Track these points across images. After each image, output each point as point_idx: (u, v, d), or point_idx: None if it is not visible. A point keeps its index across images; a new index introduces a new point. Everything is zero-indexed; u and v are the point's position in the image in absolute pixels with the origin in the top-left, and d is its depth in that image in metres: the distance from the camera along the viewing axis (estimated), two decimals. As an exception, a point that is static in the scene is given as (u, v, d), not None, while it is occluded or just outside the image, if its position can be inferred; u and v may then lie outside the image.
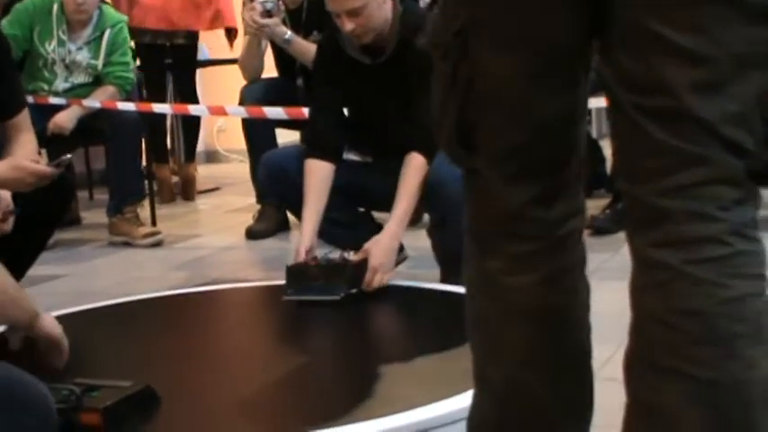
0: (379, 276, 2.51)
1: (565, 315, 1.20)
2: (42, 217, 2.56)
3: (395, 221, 2.55)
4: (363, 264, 2.51)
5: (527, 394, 1.22)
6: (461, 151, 1.17)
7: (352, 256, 2.57)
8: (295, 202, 2.65)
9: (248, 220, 3.99)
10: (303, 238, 2.58)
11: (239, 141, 4.07)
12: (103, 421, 1.68)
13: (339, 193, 2.65)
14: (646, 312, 1.05)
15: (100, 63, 3.90)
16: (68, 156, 2.54)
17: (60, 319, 2.21)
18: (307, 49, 3.57)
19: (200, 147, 5.39)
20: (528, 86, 1.08)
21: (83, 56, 3.89)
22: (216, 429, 1.73)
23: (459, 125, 1.14)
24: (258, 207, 3.99)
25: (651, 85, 0.99)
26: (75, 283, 3.28)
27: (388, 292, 2.54)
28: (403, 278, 2.71)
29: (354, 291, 2.48)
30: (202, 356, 2.18)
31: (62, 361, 1.92)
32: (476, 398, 1.29)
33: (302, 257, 2.54)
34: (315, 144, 2.70)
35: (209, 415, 1.80)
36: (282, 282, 2.56)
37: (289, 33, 3.65)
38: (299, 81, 3.81)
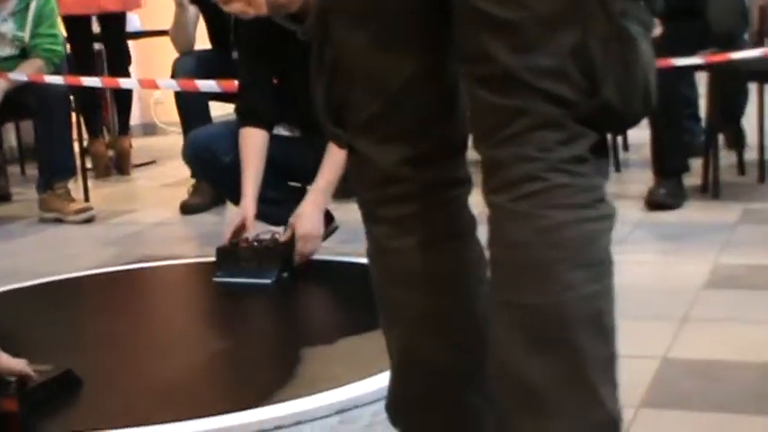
0: (309, 245, 2.49)
1: (452, 281, 1.23)
2: None
3: (316, 191, 2.54)
4: (293, 241, 2.49)
5: (420, 363, 1.24)
6: (334, 128, 1.23)
7: (282, 235, 2.54)
8: (225, 183, 2.61)
9: (184, 194, 3.93)
10: (246, 203, 2.54)
11: (177, 114, 4.00)
12: (21, 407, 1.66)
13: (268, 169, 2.62)
14: (491, 259, 1.11)
15: (27, 35, 3.79)
16: None
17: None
18: None
19: (137, 119, 5.29)
20: (379, 56, 1.16)
21: (8, 27, 3.78)
22: (136, 413, 1.70)
23: (328, 103, 1.22)
24: (193, 181, 3.94)
25: (477, 54, 1.08)
26: (0, 261, 3.20)
27: (319, 268, 2.53)
28: (334, 253, 2.70)
29: (286, 274, 2.46)
30: (128, 338, 2.15)
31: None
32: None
33: (251, 226, 2.51)
34: (248, 113, 2.66)
35: (130, 398, 1.77)
36: (214, 259, 2.53)
37: None
38: (234, 54, 3.74)
